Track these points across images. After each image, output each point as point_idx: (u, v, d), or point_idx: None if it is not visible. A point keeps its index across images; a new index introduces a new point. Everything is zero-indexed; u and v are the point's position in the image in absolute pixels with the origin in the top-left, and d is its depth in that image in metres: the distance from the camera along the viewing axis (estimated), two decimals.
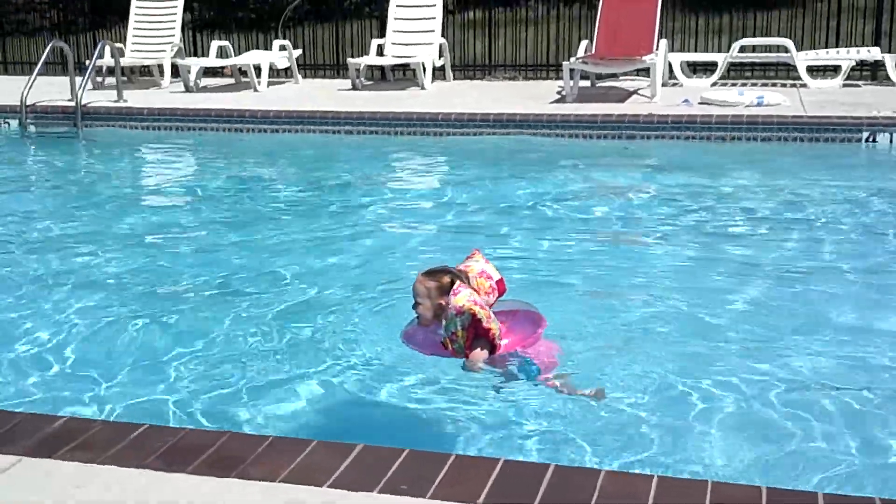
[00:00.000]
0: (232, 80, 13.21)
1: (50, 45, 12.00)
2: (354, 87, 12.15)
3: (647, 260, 5.87)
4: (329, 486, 2.72)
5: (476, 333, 3.87)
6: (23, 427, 3.08)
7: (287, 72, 13.14)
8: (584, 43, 11.37)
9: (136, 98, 11.58)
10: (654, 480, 2.73)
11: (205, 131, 10.54)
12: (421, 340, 4.06)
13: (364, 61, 12.35)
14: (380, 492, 2.69)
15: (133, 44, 13.31)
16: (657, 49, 10.72)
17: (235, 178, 8.72)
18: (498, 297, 4.09)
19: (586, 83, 11.66)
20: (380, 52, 12.53)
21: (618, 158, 9.09)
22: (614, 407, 3.79)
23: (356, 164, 9.16)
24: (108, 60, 12.41)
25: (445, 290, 3.93)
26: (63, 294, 5.25)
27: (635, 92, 11.08)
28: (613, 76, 11.91)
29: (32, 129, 11.01)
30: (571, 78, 10.59)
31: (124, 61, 12.49)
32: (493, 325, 3.88)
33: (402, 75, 13.25)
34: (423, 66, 11.94)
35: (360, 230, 6.63)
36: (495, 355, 3.97)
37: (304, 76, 13.55)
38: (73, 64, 11.58)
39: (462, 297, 3.85)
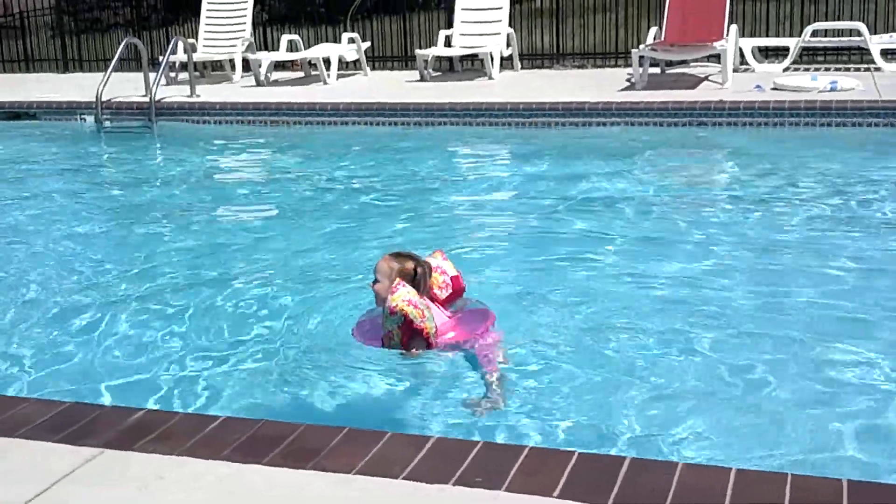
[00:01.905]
0: (301, 74, 13.32)
1: (124, 41, 12.20)
2: (423, 79, 12.16)
3: (724, 245, 5.77)
4: (404, 479, 2.73)
5: (411, 333, 3.97)
6: (104, 419, 3.15)
7: (356, 64, 13.21)
8: (653, 30, 11.21)
9: (208, 93, 11.73)
10: (732, 473, 2.69)
11: (276, 125, 10.65)
12: (366, 332, 4.22)
13: (432, 52, 12.36)
14: (454, 484, 2.69)
15: (205, 39, 13.48)
16: (727, 35, 10.52)
17: (306, 171, 8.79)
18: (455, 293, 4.31)
19: (656, 70, 11.50)
20: (447, 42, 12.52)
21: (689, 146, 8.95)
22: (685, 398, 3.74)
23: (426, 155, 9.16)
24: (180, 56, 12.60)
25: (408, 277, 4.09)
26: (138, 287, 5.35)
27: (706, 78, 10.89)
28: (684, 63, 11.72)
29: (108, 124, 11.20)
30: (641, 65, 10.45)
31: (196, 57, 12.65)
32: (428, 325, 3.98)
33: (470, 65, 13.22)
34: (491, 56, 11.90)
35: (430, 221, 6.64)
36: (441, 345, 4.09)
37: (373, 68, 13.61)
38: (147, 60, 11.78)
39: (397, 297, 3.98)
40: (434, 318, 4.03)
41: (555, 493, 2.63)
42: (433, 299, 4.22)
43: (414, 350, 4.04)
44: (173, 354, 4.41)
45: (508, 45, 12.35)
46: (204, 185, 8.55)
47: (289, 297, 5.09)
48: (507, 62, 12.55)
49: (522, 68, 12.88)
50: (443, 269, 4.30)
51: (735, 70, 10.87)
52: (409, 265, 4.14)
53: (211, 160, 9.95)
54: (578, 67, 13.02)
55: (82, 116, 11.40)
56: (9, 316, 5.00)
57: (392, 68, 14.06)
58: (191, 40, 13.05)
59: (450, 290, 4.31)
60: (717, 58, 10.70)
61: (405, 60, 14.02)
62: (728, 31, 10.59)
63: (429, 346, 4.03)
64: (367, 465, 2.80)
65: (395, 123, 10.27)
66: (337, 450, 2.90)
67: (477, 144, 9.55)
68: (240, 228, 6.85)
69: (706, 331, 4.39)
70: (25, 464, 2.87)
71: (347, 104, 10.53)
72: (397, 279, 4.04)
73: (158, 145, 10.67)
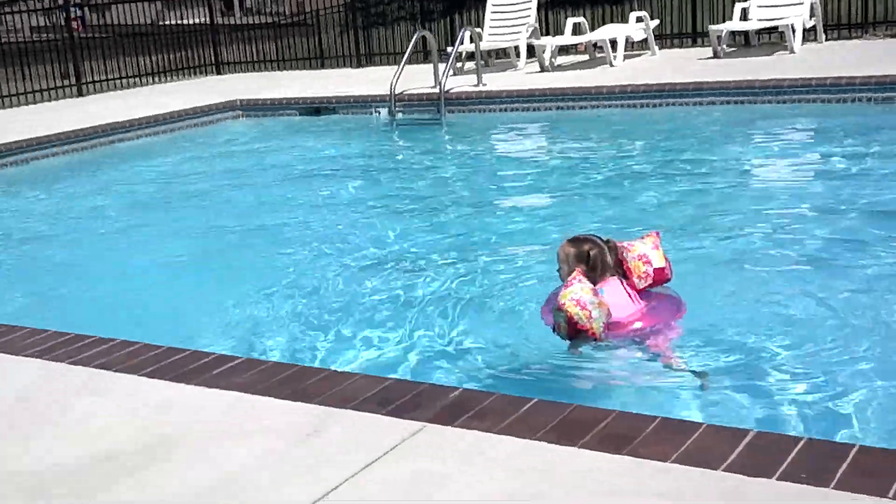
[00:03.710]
0: (587, 57, 13.28)
1: (416, 34, 12.66)
2: (716, 55, 11.74)
3: None
4: (724, 470, 2.66)
5: (576, 331, 3.93)
6: (425, 396, 3.30)
7: (643, 44, 12.99)
8: None
9: (494, 81, 11.92)
10: None
11: (562, 110, 10.67)
12: (547, 310, 4.17)
13: (726, 27, 11.90)
14: (778, 479, 2.60)
15: (491, 27, 13.74)
16: None
17: (596, 157, 8.76)
18: (656, 284, 4.20)
19: None
20: (743, 16, 12.01)
21: None
22: None
23: (721, 138, 8.87)
24: (467, 46, 12.91)
25: (583, 259, 4.06)
26: (441, 273, 5.55)
27: None
28: None
29: (400, 116, 11.56)
30: None
31: (483, 45, 12.92)
32: (594, 325, 3.89)
33: (768, 39, 12.61)
34: (793, 27, 11.28)
35: (724, 209, 6.41)
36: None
37: (661, 47, 13.32)
38: (437, 52, 12.17)
39: (567, 295, 3.90)
40: (605, 317, 3.95)
41: (888, 494, 2.47)
42: (632, 287, 4.16)
43: (577, 350, 4.04)
44: (480, 339, 4.54)
45: (812, 14, 11.65)
46: (494, 173, 8.72)
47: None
48: (809, 34, 11.85)
49: (826, 40, 12.12)
50: (647, 258, 4.19)
51: None
52: (585, 247, 4.12)
53: (500, 148, 10.15)
54: (892, 36, 12.06)
55: (377, 109, 11.81)
56: (332, 297, 5.35)
57: (681, 46, 13.70)
58: (476, 29, 13.35)
59: (650, 282, 4.21)
60: None
61: (694, 37, 13.62)
62: None
63: (595, 340, 3.99)
64: (683, 454, 2.76)
65: (688, 104, 9.98)
66: (651, 437, 2.88)
67: (779, 125, 9.07)
68: (529, 215, 6.92)
69: None
70: (355, 434, 3.06)
71: (636, 86, 10.37)
72: (575, 272, 4.01)
73: (448, 136, 10.97)
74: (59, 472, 3.01)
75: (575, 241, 4.21)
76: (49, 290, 6.04)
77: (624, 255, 4.21)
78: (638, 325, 4.11)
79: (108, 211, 8.27)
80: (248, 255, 6.45)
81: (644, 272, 4.18)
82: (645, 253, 4.21)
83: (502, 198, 7.62)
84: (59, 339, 4.19)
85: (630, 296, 4.16)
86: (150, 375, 3.69)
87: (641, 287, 4.20)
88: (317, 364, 4.34)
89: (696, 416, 3.56)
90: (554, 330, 4.09)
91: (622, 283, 4.18)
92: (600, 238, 4.23)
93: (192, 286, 5.86)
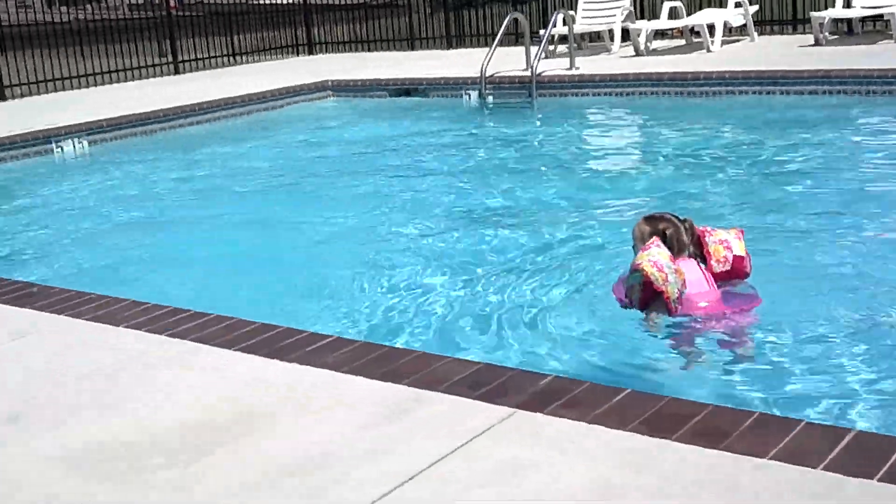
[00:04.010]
0: (683, 42, 13.05)
1: (509, 16, 12.58)
2: (817, 43, 11.44)
3: None
4: (823, 469, 2.59)
5: (651, 293, 3.92)
6: (514, 382, 3.28)
7: (741, 29, 12.70)
8: None
9: (587, 65, 11.77)
10: None
11: (656, 96, 10.52)
12: (619, 284, 4.21)
13: (829, 14, 11.57)
14: (879, 480, 2.52)
15: (584, 10, 13.59)
16: None
17: (686, 145, 8.61)
18: (735, 273, 4.17)
19: None
20: (847, 3, 11.66)
21: None
22: None
23: (823, 128, 8.61)
24: (559, 29, 12.79)
25: (660, 235, 4.03)
26: (518, 263, 5.51)
27: None
28: None
29: (490, 99, 11.49)
30: None
31: (576, 28, 12.78)
32: (669, 289, 3.85)
33: (873, 27, 12.22)
34: None
35: (815, 206, 6.23)
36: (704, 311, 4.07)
37: (760, 33, 13.01)
38: (529, 34, 12.08)
39: (644, 256, 3.91)
40: (679, 285, 3.92)
41: None
42: (709, 270, 4.16)
43: (652, 317, 4.01)
44: (569, 325, 4.51)
45: None
46: (585, 159, 8.65)
47: None
48: None
49: None
50: (728, 244, 4.18)
51: None
52: (661, 225, 4.13)
53: (591, 134, 10.06)
54: None
55: (467, 92, 11.73)
56: (419, 281, 5.37)
57: (781, 32, 13.36)
58: (570, 12, 13.22)
59: (728, 267, 4.18)
60: None
61: (794, 23, 13.27)
62: None
63: (669, 311, 3.95)
64: (782, 451, 2.70)
65: (788, 92, 9.74)
66: (747, 433, 2.82)
67: (882, 117, 8.78)
68: (622, 203, 6.84)
69: None
70: (445, 417, 3.07)
71: (734, 72, 10.15)
72: (653, 238, 4.03)
73: (539, 120, 10.91)
74: (152, 441, 3.08)
75: (651, 219, 4.24)
76: (142, 264, 6.21)
77: (705, 237, 4.20)
78: (711, 306, 4.09)
79: (204, 189, 8.44)
80: (339, 236, 6.51)
81: (723, 256, 4.17)
82: (727, 239, 4.20)
83: (594, 184, 7.55)
84: (156, 311, 4.29)
85: (705, 277, 4.14)
86: (244, 350, 3.76)
87: (718, 271, 4.18)
88: (405, 345, 4.35)
89: (781, 411, 3.48)
90: (627, 299, 4.09)
91: (699, 264, 4.17)
92: (677, 217, 4.24)
93: (282, 264, 5.94)
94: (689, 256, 4.18)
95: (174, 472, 2.89)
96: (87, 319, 4.27)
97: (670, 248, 4.06)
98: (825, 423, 3.17)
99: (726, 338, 4.12)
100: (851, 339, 4.07)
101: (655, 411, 3.00)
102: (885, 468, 2.57)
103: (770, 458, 2.66)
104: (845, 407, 3.55)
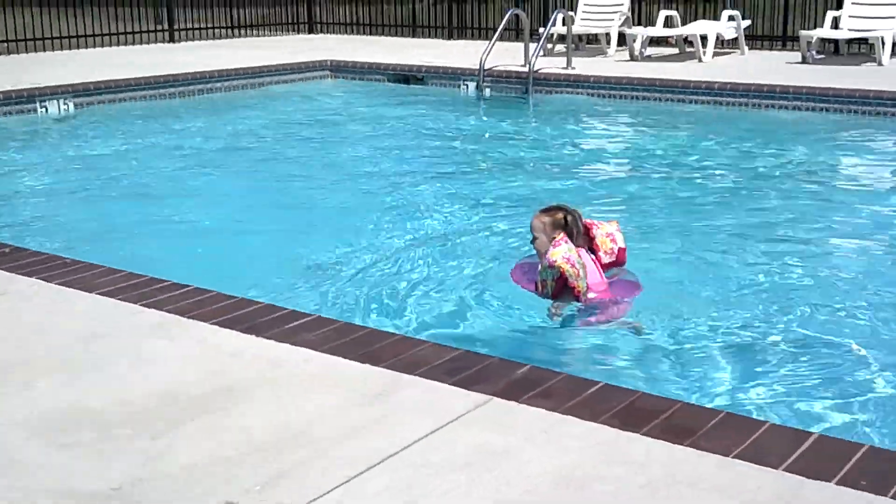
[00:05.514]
0: (676, 50, 13.16)
1: (509, 12, 12.63)
2: (804, 61, 11.58)
3: None
4: (784, 470, 2.68)
5: (563, 287, 4.25)
6: (493, 369, 3.36)
7: (733, 42, 12.83)
8: None
9: (583, 65, 11.87)
10: None
11: (648, 101, 10.61)
12: (524, 274, 4.55)
13: (817, 34, 11.72)
14: (837, 483, 2.61)
15: (584, 12, 13.67)
16: None
17: (675, 150, 8.72)
18: (616, 263, 4.54)
19: None
20: (835, 24, 11.81)
21: None
22: None
23: (803, 142, 8.75)
24: (559, 28, 12.88)
25: (559, 225, 4.34)
26: (497, 252, 5.57)
27: None
28: None
29: (487, 91, 11.59)
30: None
31: (574, 29, 12.87)
32: (580, 284, 4.22)
33: (858, 50, 12.39)
34: (882, 40, 11.08)
35: (797, 218, 6.34)
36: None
37: (750, 48, 13.15)
38: (528, 31, 12.14)
39: (557, 253, 4.21)
40: (588, 277, 4.26)
41: None
42: (598, 260, 4.46)
43: (558, 307, 4.29)
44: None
45: None
46: (576, 156, 8.71)
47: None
48: None
49: None
50: (614, 237, 4.51)
51: None
52: (559, 215, 4.39)
53: (583, 132, 10.12)
54: None
55: (465, 83, 11.82)
56: (403, 263, 5.44)
57: (770, 48, 13.50)
58: (569, 13, 13.29)
59: (614, 258, 4.54)
60: None
61: (784, 40, 13.41)
62: None
63: (577, 300, 4.27)
64: (745, 451, 2.78)
65: (773, 107, 9.88)
66: (714, 431, 2.90)
67: (859, 136, 8.95)
68: (607, 201, 6.93)
69: None
70: (424, 401, 3.13)
71: (723, 83, 10.27)
72: (560, 233, 4.30)
73: (534, 115, 10.98)
74: (125, 411, 3.07)
75: (548, 210, 4.46)
76: (123, 232, 6.18)
77: (593, 230, 4.50)
78: (603, 293, 4.40)
79: (191, 160, 8.46)
80: (324, 215, 6.56)
81: (610, 249, 4.52)
82: (612, 232, 4.54)
83: (581, 180, 7.63)
84: (132, 280, 4.25)
85: (597, 268, 4.46)
86: (222, 325, 3.74)
87: (605, 262, 4.51)
88: (386, 328, 4.41)
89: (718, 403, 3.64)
90: (536, 290, 4.36)
91: (590, 255, 4.46)
92: (567, 205, 4.50)
93: (268, 239, 5.98)
94: (580, 247, 4.43)
95: (143, 442, 2.88)
96: (59, 284, 4.21)
97: (570, 235, 4.35)
98: (789, 424, 3.26)
99: (619, 320, 4.42)
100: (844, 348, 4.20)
101: (627, 405, 3.08)
102: (843, 472, 2.66)
103: (734, 457, 2.75)
104: (824, 412, 3.67)
